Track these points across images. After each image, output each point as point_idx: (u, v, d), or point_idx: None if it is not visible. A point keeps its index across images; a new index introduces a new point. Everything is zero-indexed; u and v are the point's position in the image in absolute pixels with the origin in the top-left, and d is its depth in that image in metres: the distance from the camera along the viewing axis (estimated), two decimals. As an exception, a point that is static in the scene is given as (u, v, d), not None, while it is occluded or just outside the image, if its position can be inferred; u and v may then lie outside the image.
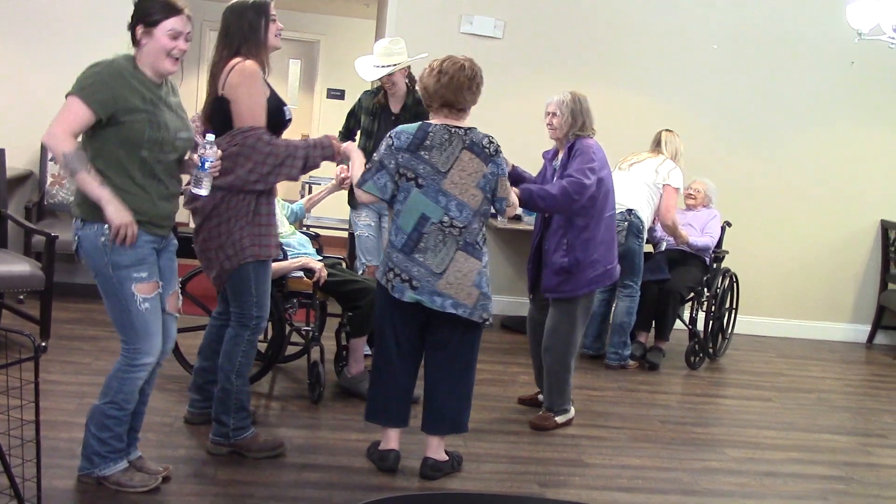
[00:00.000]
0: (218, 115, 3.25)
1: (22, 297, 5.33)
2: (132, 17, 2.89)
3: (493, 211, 3.51)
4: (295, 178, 3.36)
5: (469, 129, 3.38)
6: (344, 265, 4.69)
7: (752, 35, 6.58)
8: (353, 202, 4.74)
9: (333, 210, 7.37)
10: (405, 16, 6.31)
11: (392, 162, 3.31)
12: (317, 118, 9.46)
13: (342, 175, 4.39)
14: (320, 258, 4.54)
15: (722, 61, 6.58)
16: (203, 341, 3.73)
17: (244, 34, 3.25)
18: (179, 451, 3.52)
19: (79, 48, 5.78)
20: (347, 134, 4.83)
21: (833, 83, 6.69)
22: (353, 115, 4.80)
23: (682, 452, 4.12)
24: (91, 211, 2.84)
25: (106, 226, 2.83)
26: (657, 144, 5.59)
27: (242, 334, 3.40)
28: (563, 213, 4.07)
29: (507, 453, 3.89)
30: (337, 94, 9.47)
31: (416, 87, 3.66)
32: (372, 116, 4.66)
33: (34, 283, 4.48)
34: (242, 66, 3.20)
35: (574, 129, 4.16)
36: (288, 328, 4.24)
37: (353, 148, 3.51)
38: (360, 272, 4.70)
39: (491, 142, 3.39)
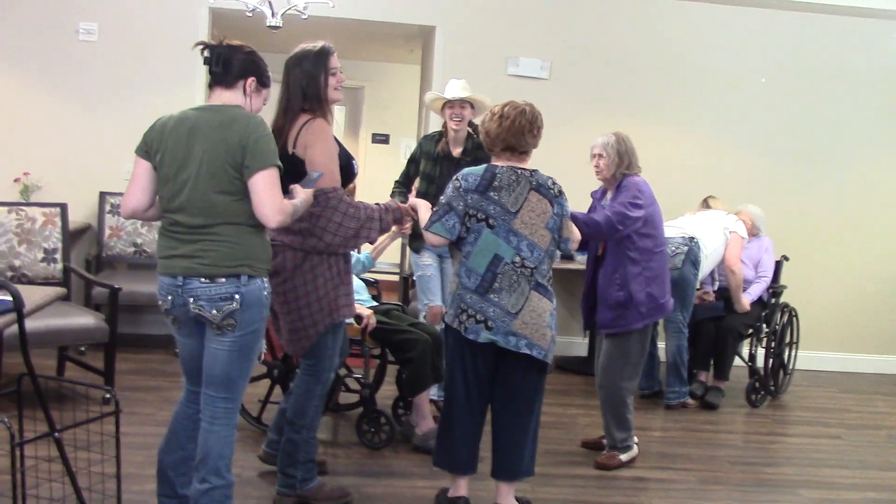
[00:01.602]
0: (289, 174, 3.15)
1: (83, 348, 5.40)
2: (244, 67, 2.87)
3: (558, 252, 3.51)
4: (373, 242, 3.38)
5: (533, 170, 3.41)
6: (402, 311, 4.68)
7: (800, 66, 6.55)
8: (414, 246, 4.74)
9: (386, 254, 7.38)
10: (451, 59, 6.37)
11: (461, 203, 3.33)
12: (363, 162, 9.53)
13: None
14: (375, 304, 4.54)
15: (770, 94, 6.55)
16: (292, 386, 3.66)
17: (303, 89, 3.22)
18: (248, 501, 3.51)
19: (134, 104, 5.92)
20: (407, 181, 4.83)
21: (882, 110, 6.62)
22: (413, 162, 4.80)
23: (754, 494, 4.02)
24: (258, 266, 2.81)
25: (266, 279, 2.84)
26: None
27: (314, 389, 3.39)
28: (606, 239, 4.12)
29: (575, 498, 3.83)
30: (382, 139, 9.56)
31: (478, 131, 3.67)
32: (433, 161, 4.67)
33: (98, 336, 4.53)
34: (314, 125, 3.18)
35: (621, 168, 4.18)
36: (343, 372, 4.23)
37: (417, 202, 3.55)
38: (422, 314, 4.69)
39: (555, 183, 3.42)
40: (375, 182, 8.07)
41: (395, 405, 4.59)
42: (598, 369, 4.32)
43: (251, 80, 2.87)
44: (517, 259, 3.31)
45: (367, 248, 4.74)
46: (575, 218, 3.91)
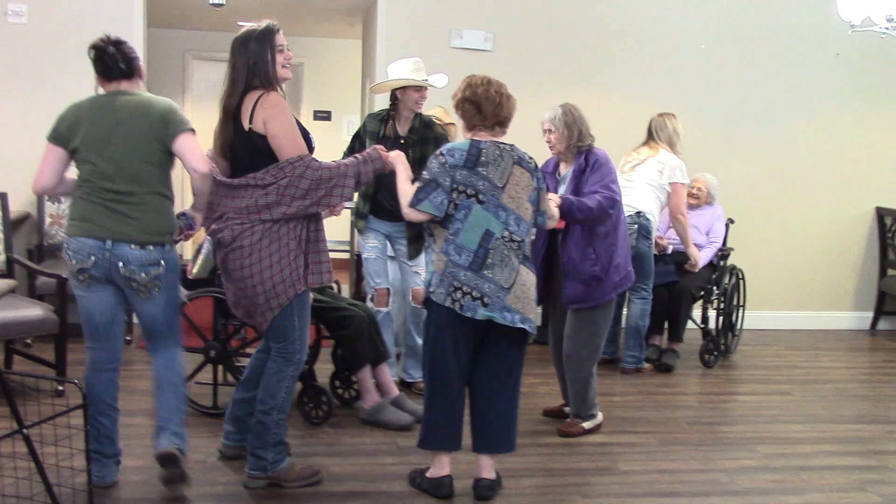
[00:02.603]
0: (247, 150, 3.20)
1: (30, 341, 5.26)
2: (137, 61, 3.32)
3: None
4: (350, 198, 3.36)
5: (512, 145, 3.42)
6: (336, 288, 4.67)
7: (740, 32, 6.65)
8: (359, 226, 4.70)
9: (332, 232, 7.31)
10: (394, 33, 6.31)
11: (447, 179, 3.29)
12: (304, 141, 9.45)
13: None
14: None
15: (711, 60, 6.64)
16: (247, 373, 3.63)
17: (250, 68, 3.20)
18: (217, 487, 3.47)
19: (67, 88, 5.73)
20: (351, 154, 4.77)
21: (821, 75, 6.77)
22: (357, 139, 4.75)
23: (714, 453, 4.12)
24: (173, 237, 3.28)
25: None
26: (650, 136, 5.59)
27: (286, 370, 3.36)
28: (594, 224, 4.09)
29: (543, 466, 3.87)
30: (324, 116, 9.44)
31: (458, 109, 3.57)
32: (377, 141, 4.62)
33: (48, 327, 4.42)
34: (269, 98, 3.16)
35: (572, 140, 4.18)
36: None
37: (400, 159, 3.46)
38: (370, 296, 4.66)
39: (531, 157, 3.46)
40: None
41: (332, 381, 4.58)
42: (554, 341, 4.35)
43: (142, 70, 3.37)
44: (506, 234, 3.32)
45: None
46: (571, 204, 3.94)
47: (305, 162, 3.18)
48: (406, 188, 3.38)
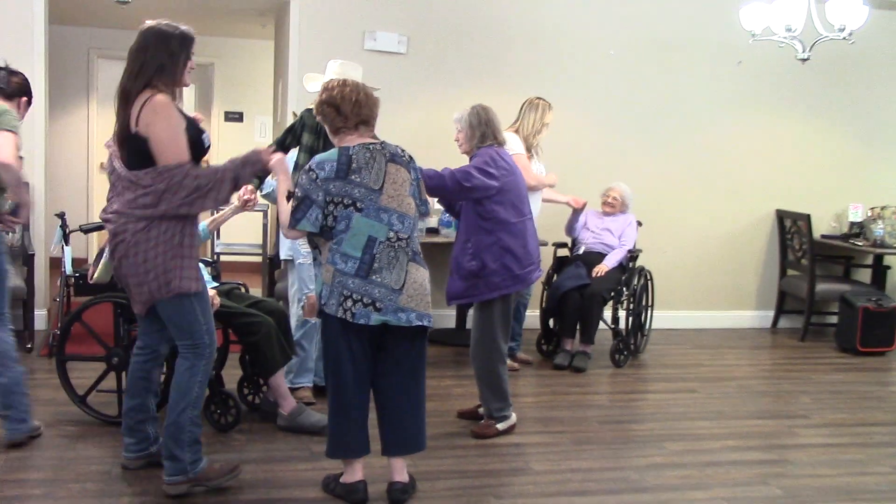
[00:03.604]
0: (133, 151, 3.17)
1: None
2: (21, 88, 3.93)
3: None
4: (225, 201, 3.32)
5: (382, 142, 3.41)
6: (243, 290, 4.61)
7: (648, 39, 6.82)
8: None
9: (245, 235, 7.22)
10: (306, 34, 6.26)
11: (319, 194, 3.26)
12: (215, 142, 9.23)
13: (245, 196, 4.31)
14: (216, 284, 4.44)
15: (620, 66, 6.79)
16: (130, 379, 3.55)
17: (161, 65, 3.17)
18: (123, 499, 3.37)
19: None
20: (281, 149, 4.71)
21: (725, 82, 6.99)
22: (291, 132, 4.66)
23: (624, 451, 4.20)
24: None
25: None
26: (516, 119, 5.59)
27: (198, 364, 3.31)
28: (451, 197, 4.17)
29: (458, 468, 3.89)
30: (235, 117, 9.28)
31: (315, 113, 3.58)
32: (315, 134, 4.55)
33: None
34: (154, 102, 3.12)
35: (475, 141, 4.21)
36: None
37: (280, 162, 3.39)
38: (301, 303, 4.59)
39: (404, 150, 3.46)
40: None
41: (240, 386, 4.52)
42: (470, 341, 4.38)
43: (24, 100, 3.92)
44: (391, 234, 3.30)
45: (205, 217, 4.52)
46: (421, 170, 3.91)
47: (184, 170, 3.14)
48: (284, 206, 3.33)
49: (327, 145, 4.50)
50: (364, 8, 6.33)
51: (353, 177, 3.27)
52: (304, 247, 4.61)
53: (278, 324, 4.25)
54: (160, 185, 3.11)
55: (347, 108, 3.35)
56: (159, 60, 3.17)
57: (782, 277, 7.22)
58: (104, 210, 3.32)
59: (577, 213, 5.99)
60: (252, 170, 3.29)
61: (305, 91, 4.79)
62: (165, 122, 3.12)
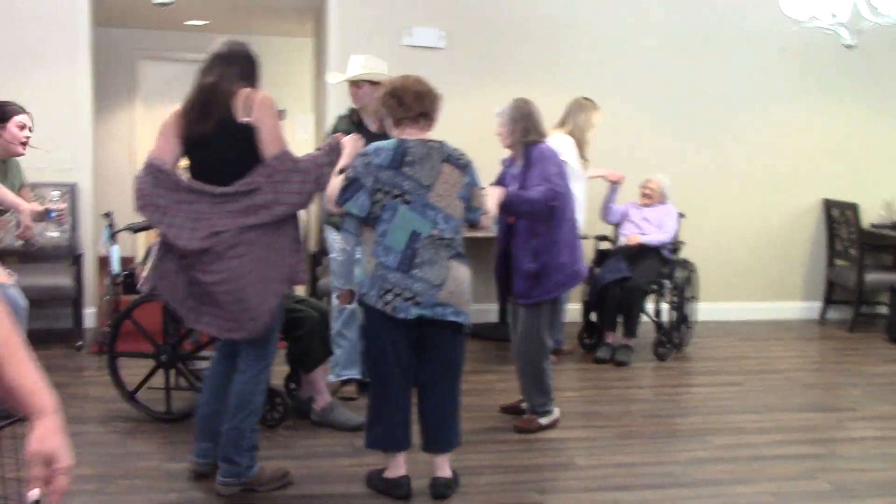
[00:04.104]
0: (236, 144, 3.19)
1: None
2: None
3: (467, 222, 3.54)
4: (323, 188, 3.38)
5: (441, 141, 3.41)
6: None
7: (689, 28, 6.73)
8: (335, 221, 4.62)
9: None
10: (345, 31, 6.28)
11: (370, 179, 3.29)
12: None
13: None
14: None
15: (661, 56, 6.71)
16: (209, 386, 3.52)
17: (252, 78, 3.30)
18: (171, 495, 3.43)
19: (7, 89, 5.63)
20: None
21: (768, 70, 6.88)
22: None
23: (668, 445, 4.17)
24: None
25: None
26: (562, 120, 5.58)
27: (262, 373, 3.38)
28: (537, 217, 4.10)
29: (501, 463, 3.89)
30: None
31: (378, 106, 3.62)
32: None
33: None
34: (265, 95, 3.23)
35: (517, 135, 4.20)
36: None
37: (352, 140, 3.48)
38: (335, 295, 4.65)
39: (462, 154, 3.45)
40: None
41: (286, 382, 4.56)
42: (513, 337, 4.37)
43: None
44: (435, 232, 3.31)
45: None
46: (512, 198, 3.95)
47: (290, 155, 3.21)
48: (335, 180, 3.35)
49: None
50: (402, 4, 6.34)
51: (405, 169, 3.29)
52: (336, 243, 4.63)
53: (322, 319, 4.29)
54: (276, 176, 3.16)
55: (409, 98, 3.38)
56: (251, 73, 3.31)
57: (830, 267, 7.09)
58: (190, 234, 3.19)
59: (613, 191, 5.92)
60: (336, 155, 3.37)
61: (344, 89, 4.82)
62: (272, 114, 3.21)
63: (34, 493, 1.27)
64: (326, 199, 3.41)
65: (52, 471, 1.33)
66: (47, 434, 1.37)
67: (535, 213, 4.07)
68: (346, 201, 3.31)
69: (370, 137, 4.51)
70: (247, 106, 3.18)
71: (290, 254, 3.28)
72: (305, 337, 4.17)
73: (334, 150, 3.37)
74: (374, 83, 4.54)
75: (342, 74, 4.75)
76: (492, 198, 3.66)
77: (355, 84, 4.59)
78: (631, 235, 5.75)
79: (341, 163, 3.41)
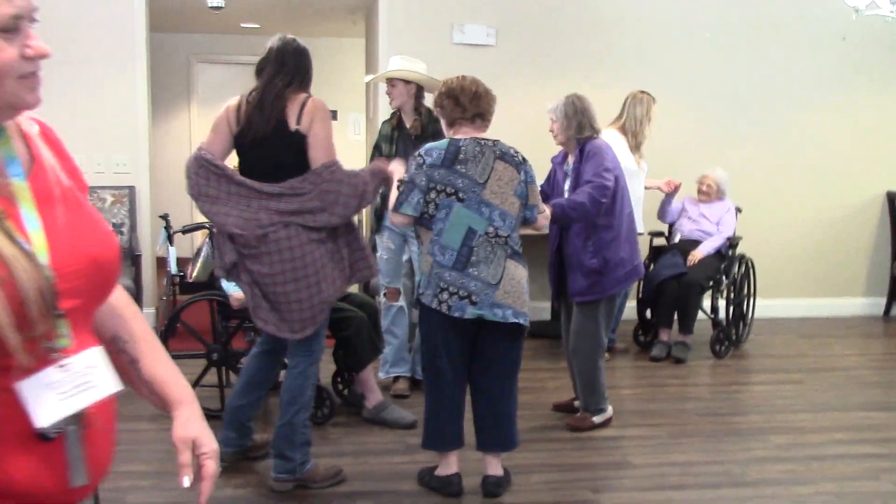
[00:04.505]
0: (290, 149, 3.22)
1: None
2: None
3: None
4: (370, 202, 3.48)
5: (495, 140, 3.40)
6: None
7: (744, 19, 6.60)
8: (377, 225, 4.71)
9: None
10: (396, 29, 6.30)
11: (423, 179, 3.29)
12: (310, 140, 9.47)
13: None
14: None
15: (716, 48, 6.59)
16: (248, 378, 3.61)
17: (304, 75, 3.33)
18: (226, 490, 3.47)
19: (66, 96, 5.76)
20: None
21: (828, 60, 6.71)
22: (377, 148, 4.80)
23: (725, 444, 4.10)
24: None
25: None
26: (619, 115, 5.52)
27: (311, 368, 3.43)
28: (593, 218, 4.05)
29: (553, 461, 3.86)
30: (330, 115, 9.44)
31: (433, 107, 3.64)
32: (389, 142, 4.67)
33: None
34: (319, 102, 3.27)
35: (571, 131, 4.15)
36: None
37: (398, 164, 3.53)
38: (382, 292, 4.68)
39: (517, 152, 3.44)
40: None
41: (334, 380, 4.58)
42: (568, 335, 4.33)
43: None
44: (490, 230, 3.30)
45: None
46: (562, 206, 3.93)
47: (339, 166, 3.25)
48: (394, 194, 3.41)
49: (399, 150, 4.54)
50: (451, 1, 6.33)
51: (458, 167, 3.30)
52: (384, 243, 4.66)
53: (369, 318, 4.31)
54: (325, 185, 3.19)
55: (466, 99, 3.39)
56: (302, 73, 3.33)
57: (895, 262, 6.89)
58: (244, 223, 3.23)
59: (669, 196, 5.84)
60: (378, 179, 3.40)
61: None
62: (325, 122, 3.25)
63: (186, 480, 1.34)
64: (389, 213, 3.46)
65: (199, 456, 1.38)
66: (189, 421, 1.42)
67: (589, 214, 4.01)
68: (400, 205, 3.31)
69: (409, 140, 4.56)
70: (300, 113, 3.21)
71: (349, 255, 3.31)
72: (353, 337, 4.20)
73: (376, 174, 3.40)
74: (407, 82, 4.57)
75: (392, 65, 4.76)
76: (542, 218, 3.61)
77: (390, 83, 4.62)
78: (693, 254, 5.60)
79: (395, 178, 3.44)
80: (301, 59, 3.34)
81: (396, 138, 4.63)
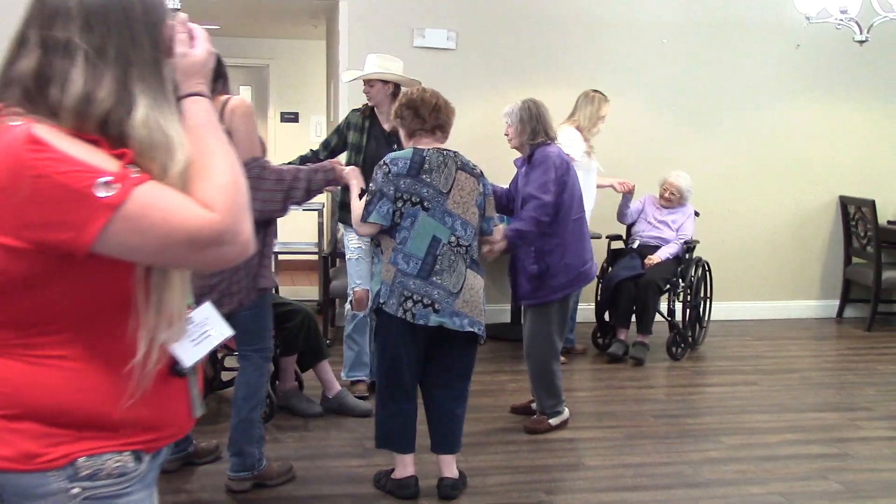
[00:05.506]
0: None
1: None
2: None
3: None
4: (299, 203, 3.41)
5: (455, 151, 3.45)
6: (275, 291, 4.74)
7: (702, 25, 6.68)
8: (344, 218, 4.68)
9: (300, 234, 7.33)
10: (356, 33, 6.29)
11: (391, 188, 3.30)
12: (272, 142, 9.38)
13: None
14: None
15: (674, 54, 6.67)
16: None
17: (224, 78, 3.35)
18: (181, 495, 3.45)
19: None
20: (326, 147, 4.82)
21: (783, 67, 6.82)
22: (338, 133, 4.79)
23: (679, 445, 4.15)
24: None
25: None
26: (571, 113, 5.57)
27: (264, 366, 3.46)
28: (545, 233, 4.07)
29: (509, 464, 3.89)
30: (291, 118, 9.41)
31: (392, 117, 3.64)
32: (360, 132, 4.67)
33: None
34: (240, 100, 3.28)
35: (525, 136, 4.16)
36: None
37: (354, 174, 3.49)
38: (349, 298, 4.66)
39: (475, 164, 3.50)
40: (287, 161, 7.95)
41: (272, 380, 4.57)
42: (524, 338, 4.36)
43: None
44: (453, 239, 3.34)
45: None
46: (512, 237, 3.96)
47: (259, 163, 3.24)
48: (356, 205, 3.41)
49: (372, 143, 4.58)
50: (412, 5, 6.34)
51: (423, 176, 3.32)
52: (353, 243, 4.65)
53: (311, 319, 4.39)
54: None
55: (426, 111, 3.41)
56: (223, 73, 3.32)
57: (847, 266, 7.02)
58: None
59: (626, 197, 5.91)
60: (324, 177, 3.39)
61: (354, 90, 4.87)
62: (247, 121, 3.25)
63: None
64: (355, 223, 3.44)
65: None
66: None
67: (538, 235, 4.04)
68: (369, 214, 3.32)
69: (382, 136, 4.59)
70: (222, 112, 3.19)
71: (257, 257, 3.27)
72: (291, 328, 4.26)
73: (320, 170, 3.39)
74: (385, 82, 4.60)
75: (356, 72, 4.82)
76: (497, 232, 3.67)
77: (368, 83, 4.64)
78: (650, 258, 5.68)
79: (354, 190, 3.45)
80: (219, 65, 3.29)
81: (368, 131, 4.65)
